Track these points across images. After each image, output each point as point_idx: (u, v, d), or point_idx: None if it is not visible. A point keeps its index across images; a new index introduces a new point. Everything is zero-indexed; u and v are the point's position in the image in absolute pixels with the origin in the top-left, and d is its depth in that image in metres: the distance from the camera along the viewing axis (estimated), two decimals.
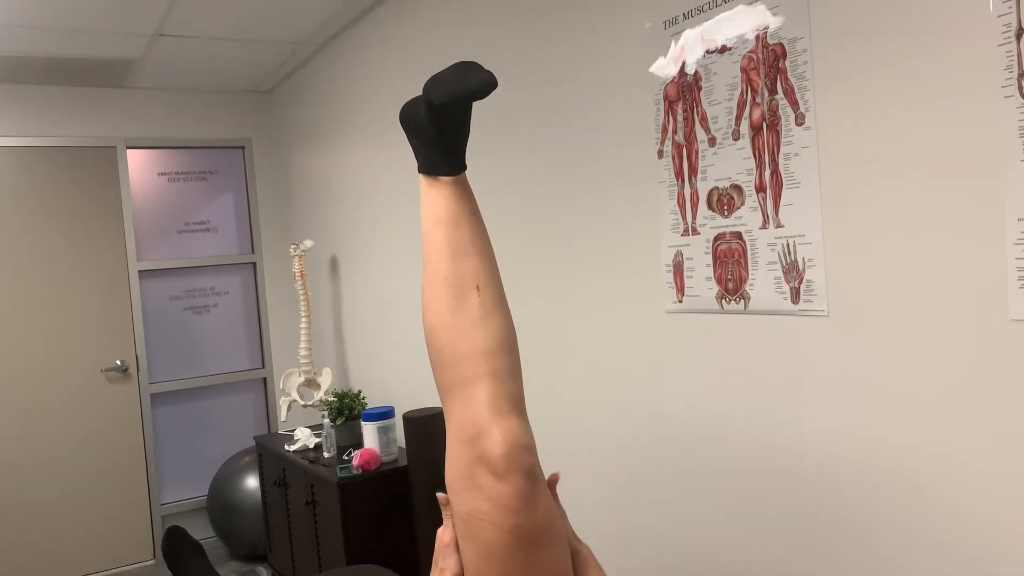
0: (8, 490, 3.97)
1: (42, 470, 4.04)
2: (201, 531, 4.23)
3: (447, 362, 0.93)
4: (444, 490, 0.93)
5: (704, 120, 1.77)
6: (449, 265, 0.95)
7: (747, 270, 1.70)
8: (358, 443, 3.22)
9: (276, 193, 4.66)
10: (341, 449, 3.27)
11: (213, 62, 3.92)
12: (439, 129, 0.97)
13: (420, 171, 1.01)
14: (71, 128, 4.14)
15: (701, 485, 1.89)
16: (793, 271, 1.60)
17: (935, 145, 1.33)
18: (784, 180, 1.60)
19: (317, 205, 4.18)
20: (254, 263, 4.64)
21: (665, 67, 1.86)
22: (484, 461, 0.85)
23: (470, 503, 0.87)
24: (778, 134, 1.60)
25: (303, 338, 3.72)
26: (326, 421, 3.29)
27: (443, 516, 0.96)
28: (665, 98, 1.87)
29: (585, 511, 2.18)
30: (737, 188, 1.71)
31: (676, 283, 1.89)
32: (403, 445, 3.03)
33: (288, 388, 3.70)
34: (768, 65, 1.61)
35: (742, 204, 1.70)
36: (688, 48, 1.79)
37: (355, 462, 2.95)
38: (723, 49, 1.71)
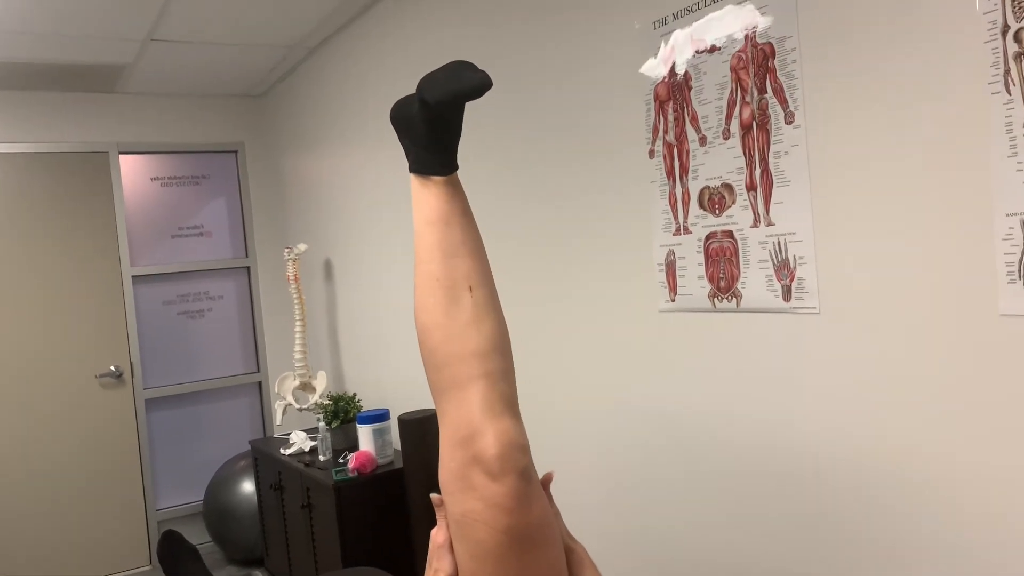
0: (3, 497, 3.95)
1: (37, 476, 4.02)
2: (197, 536, 4.21)
3: (440, 363, 0.93)
4: (439, 491, 0.93)
5: (695, 120, 1.78)
6: (441, 265, 0.94)
7: (739, 268, 1.71)
8: (353, 446, 3.21)
9: (269, 197, 4.66)
10: (337, 452, 3.26)
11: (205, 66, 3.91)
12: (431, 128, 0.96)
13: (411, 170, 1.00)
14: (63, 134, 4.13)
15: (695, 484, 1.89)
16: (784, 269, 1.61)
17: (923, 142, 1.34)
18: (774, 178, 1.61)
19: (310, 209, 4.17)
20: (248, 267, 4.63)
21: (655, 67, 1.86)
22: (478, 462, 0.85)
23: (464, 504, 0.87)
24: (768, 133, 1.61)
25: (298, 342, 3.71)
26: (321, 424, 3.29)
27: (437, 517, 0.96)
28: (656, 98, 1.88)
29: (580, 511, 2.18)
30: (728, 187, 1.71)
31: (669, 282, 1.90)
32: (398, 447, 3.03)
33: (283, 392, 3.70)
34: (757, 64, 1.61)
35: (733, 203, 1.70)
36: (678, 48, 1.80)
37: (351, 465, 2.95)
38: (712, 49, 1.71)
